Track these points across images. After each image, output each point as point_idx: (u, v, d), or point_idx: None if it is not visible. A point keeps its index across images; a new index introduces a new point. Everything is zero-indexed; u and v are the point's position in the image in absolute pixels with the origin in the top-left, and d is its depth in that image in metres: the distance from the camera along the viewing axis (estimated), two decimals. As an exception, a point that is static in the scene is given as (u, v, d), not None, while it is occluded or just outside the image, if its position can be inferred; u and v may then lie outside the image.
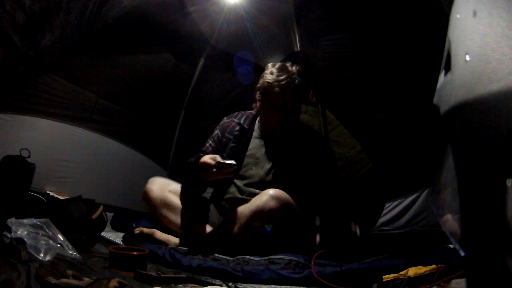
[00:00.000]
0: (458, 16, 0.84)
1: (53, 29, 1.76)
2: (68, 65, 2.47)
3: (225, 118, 2.21)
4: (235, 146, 2.08)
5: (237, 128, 2.12)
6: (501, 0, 0.65)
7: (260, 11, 2.69)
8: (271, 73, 1.97)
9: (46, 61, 1.98)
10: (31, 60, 1.78)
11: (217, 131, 2.17)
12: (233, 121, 2.17)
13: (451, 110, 0.80)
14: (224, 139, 2.12)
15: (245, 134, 2.10)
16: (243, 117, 2.17)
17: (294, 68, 1.98)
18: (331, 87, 2.73)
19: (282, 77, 1.93)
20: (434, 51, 1.16)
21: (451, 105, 0.80)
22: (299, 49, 2.80)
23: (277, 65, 2.01)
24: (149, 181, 2.13)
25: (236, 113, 2.22)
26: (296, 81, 1.93)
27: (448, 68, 0.86)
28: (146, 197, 2.09)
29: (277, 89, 1.93)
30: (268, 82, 1.96)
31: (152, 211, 2.09)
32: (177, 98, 3.24)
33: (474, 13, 0.73)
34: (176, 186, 2.11)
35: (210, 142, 2.14)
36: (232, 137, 2.11)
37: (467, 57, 0.73)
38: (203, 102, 3.20)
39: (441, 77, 0.91)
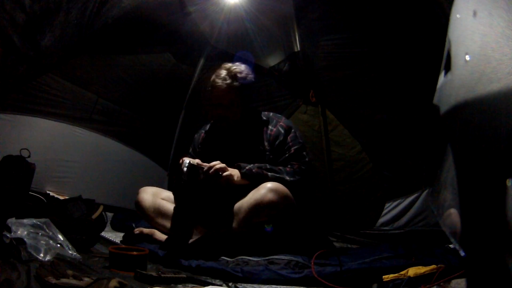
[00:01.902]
0: (458, 16, 0.84)
1: (53, 29, 1.76)
2: (68, 65, 2.47)
3: (195, 134, 2.29)
4: (204, 152, 2.15)
5: (204, 136, 2.22)
6: (501, 0, 0.65)
7: (260, 11, 2.69)
8: (211, 74, 2.07)
9: (46, 61, 1.97)
10: (31, 60, 1.78)
11: (191, 147, 2.25)
12: (201, 132, 2.25)
13: (451, 110, 0.80)
14: (197, 150, 2.20)
15: (210, 139, 2.18)
16: (208, 125, 2.25)
17: (229, 71, 2.02)
18: (331, 87, 2.74)
19: (212, 77, 2.03)
20: (434, 51, 1.16)
21: (451, 105, 0.80)
22: (299, 49, 2.80)
23: (221, 66, 2.08)
24: (140, 191, 2.13)
25: (204, 124, 2.29)
26: (220, 81, 1.99)
27: (448, 68, 0.86)
28: (139, 207, 2.09)
29: (207, 86, 2.04)
30: (206, 80, 2.09)
31: (147, 220, 2.09)
32: (177, 98, 3.24)
33: (474, 13, 0.73)
34: (168, 194, 2.12)
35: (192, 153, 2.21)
36: (200, 146, 2.19)
37: (467, 57, 0.73)
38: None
39: (441, 77, 0.91)
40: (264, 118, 2.11)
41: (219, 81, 1.99)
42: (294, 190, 1.87)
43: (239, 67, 2.04)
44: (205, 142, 2.19)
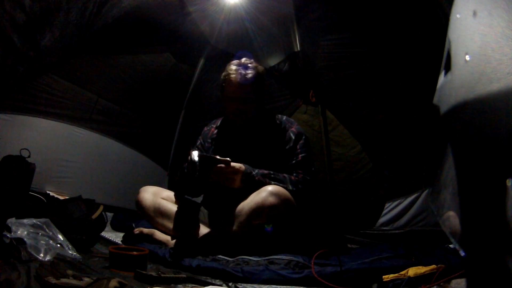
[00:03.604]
0: (458, 16, 0.85)
1: (53, 29, 1.77)
2: (68, 65, 2.47)
3: (205, 127, 2.28)
4: (214, 148, 2.14)
5: (215, 132, 2.21)
6: (501, 0, 0.65)
7: (260, 11, 2.68)
8: (230, 67, 2.06)
9: (46, 61, 1.98)
10: (31, 60, 1.78)
11: (200, 140, 2.24)
12: (212, 127, 2.25)
13: (451, 110, 0.80)
14: (206, 145, 2.19)
15: (221, 135, 2.18)
16: (219, 121, 2.24)
17: (251, 63, 2.05)
18: (331, 87, 2.74)
19: (233, 70, 2.02)
20: (434, 51, 1.16)
21: (451, 105, 0.80)
22: (299, 49, 2.79)
23: (238, 60, 2.09)
24: (141, 190, 2.13)
25: (215, 120, 2.29)
26: (249, 73, 2.00)
27: (448, 68, 0.86)
28: (140, 206, 2.09)
29: (228, 80, 2.04)
30: (224, 74, 2.07)
31: (147, 219, 2.09)
32: (177, 98, 3.24)
33: (474, 13, 0.73)
34: (169, 193, 2.12)
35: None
36: (210, 141, 2.18)
37: (467, 57, 0.73)
38: (203, 102, 3.20)
39: (441, 77, 0.91)
40: (277, 121, 2.11)
41: (233, 74, 2.01)
42: (296, 198, 1.87)
43: (249, 60, 2.07)
44: (216, 138, 2.18)
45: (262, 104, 2.12)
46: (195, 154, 1.80)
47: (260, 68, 2.08)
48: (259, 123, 2.10)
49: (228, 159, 1.84)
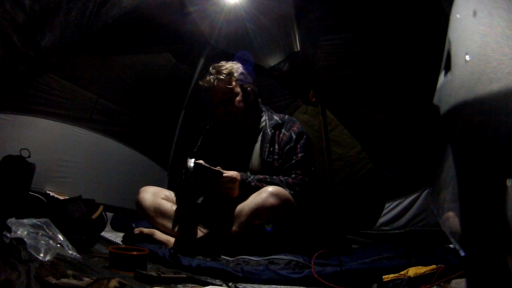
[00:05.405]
0: (458, 16, 0.85)
1: (53, 29, 1.77)
2: (68, 65, 2.46)
3: (207, 126, 2.31)
4: (200, 143, 2.22)
5: (207, 127, 2.27)
6: (501, 0, 0.65)
7: (260, 11, 2.69)
8: (208, 74, 2.11)
9: (46, 61, 1.98)
10: (31, 60, 1.78)
11: (202, 139, 2.27)
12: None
13: (451, 110, 0.80)
14: (199, 144, 2.23)
15: (211, 133, 2.23)
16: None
17: (222, 66, 2.07)
18: (331, 87, 2.74)
19: (208, 76, 2.08)
20: (434, 51, 1.16)
21: (451, 105, 0.80)
22: (299, 49, 2.80)
23: (214, 64, 2.12)
24: (141, 190, 2.13)
25: (217, 119, 2.30)
26: (222, 76, 2.03)
27: (448, 68, 0.86)
28: (140, 207, 2.09)
29: (207, 87, 2.08)
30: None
31: (147, 219, 2.09)
32: (177, 98, 3.24)
33: (474, 13, 0.73)
34: (169, 193, 2.13)
35: (196, 150, 2.22)
36: (202, 137, 2.24)
37: (467, 57, 0.73)
38: (203, 102, 3.20)
39: (441, 77, 0.91)
40: (279, 120, 2.11)
41: (208, 81, 2.05)
42: (294, 200, 1.87)
43: (222, 63, 2.10)
44: (205, 134, 2.22)
45: (248, 101, 2.11)
46: (190, 161, 1.81)
47: (235, 66, 2.09)
48: (255, 121, 2.11)
49: (219, 168, 1.84)
